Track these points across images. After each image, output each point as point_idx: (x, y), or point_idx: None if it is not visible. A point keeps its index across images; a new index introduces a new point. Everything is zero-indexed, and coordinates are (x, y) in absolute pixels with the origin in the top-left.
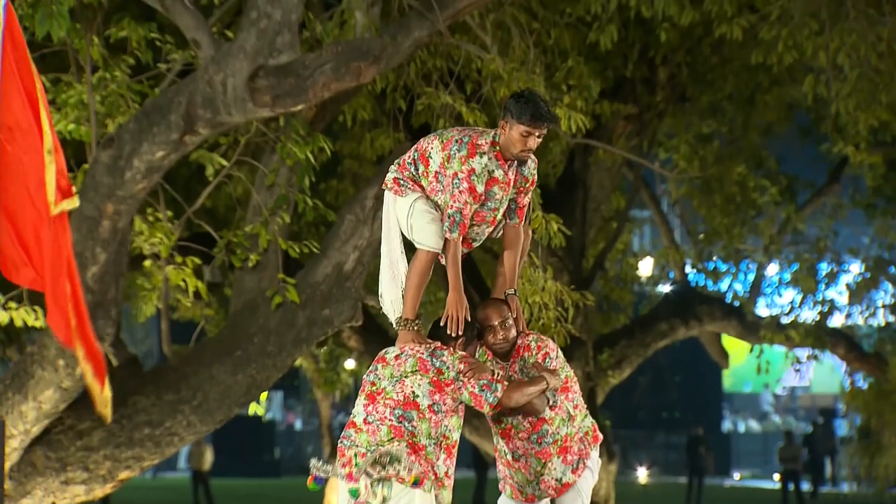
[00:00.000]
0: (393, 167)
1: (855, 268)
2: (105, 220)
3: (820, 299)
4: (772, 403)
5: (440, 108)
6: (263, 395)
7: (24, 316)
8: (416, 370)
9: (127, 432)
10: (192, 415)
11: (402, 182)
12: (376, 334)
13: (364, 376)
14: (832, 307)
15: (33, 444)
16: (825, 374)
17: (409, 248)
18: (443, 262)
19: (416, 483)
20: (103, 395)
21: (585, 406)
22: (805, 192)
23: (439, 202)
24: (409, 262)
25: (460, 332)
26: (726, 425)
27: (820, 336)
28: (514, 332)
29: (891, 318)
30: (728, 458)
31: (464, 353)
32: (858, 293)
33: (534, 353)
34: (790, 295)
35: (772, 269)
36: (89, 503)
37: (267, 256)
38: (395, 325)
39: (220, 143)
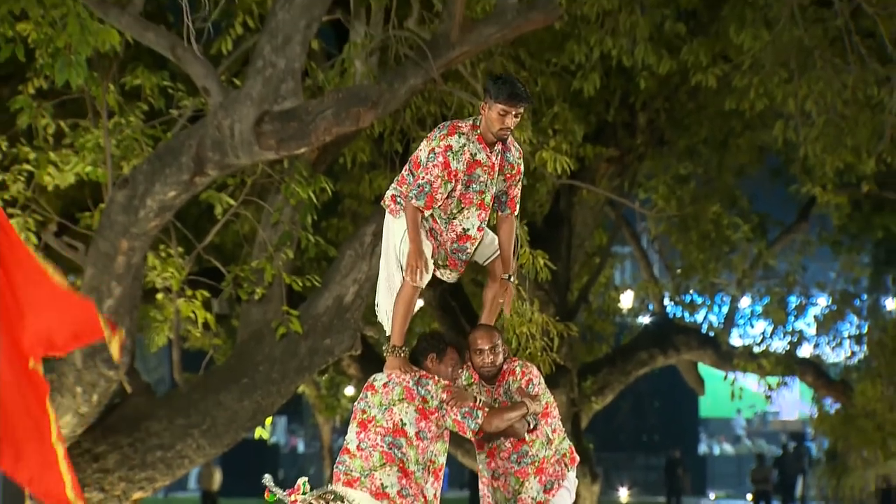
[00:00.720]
0: (392, 184)
1: (822, 301)
2: (120, 256)
3: (790, 330)
4: (744, 428)
5: None
6: (268, 420)
7: None
8: (403, 398)
9: (140, 455)
10: (202, 438)
11: (398, 200)
12: (375, 363)
13: (355, 404)
14: (801, 337)
15: None
16: (794, 400)
17: None
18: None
19: None
20: None
21: (563, 430)
22: (775, 230)
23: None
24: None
25: (418, 279)
26: (702, 448)
27: (790, 364)
28: (501, 358)
29: (856, 348)
30: (704, 479)
31: (447, 381)
32: (826, 324)
33: (518, 378)
34: (762, 326)
35: (744, 302)
36: None
37: (272, 290)
38: (384, 351)
39: (227, 183)
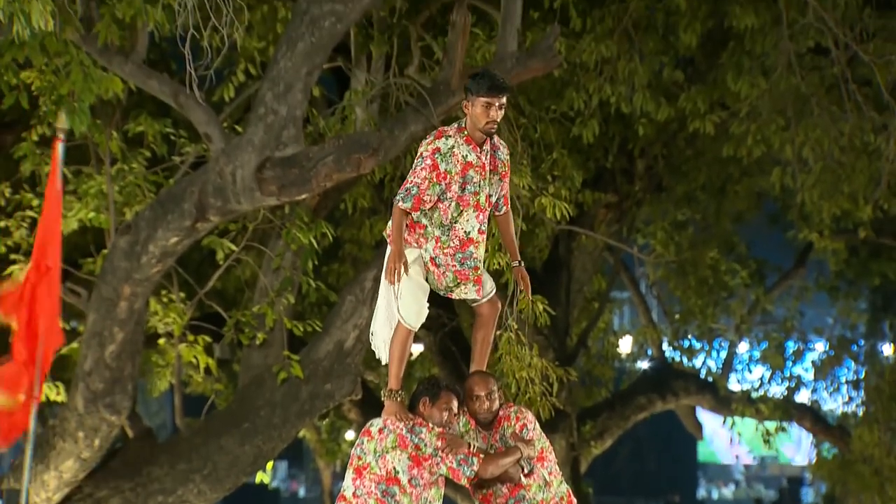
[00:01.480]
0: None
1: (820, 346)
2: (122, 302)
3: (788, 375)
4: (743, 472)
5: None
6: (269, 465)
7: (46, 391)
8: (396, 446)
9: (142, 499)
10: (203, 483)
11: None
12: (375, 407)
13: (352, 449)
14: (799, 383)
15: None
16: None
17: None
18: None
19: None
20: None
21: (561, 473)
22: (773, 276)
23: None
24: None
25: (397, 280)
26: (701, 492)
27: (788, 409)
28: (497, 405)
29: (853, 394)
30: None
31: (440, 428)
32: (823, 370)
33: (513, 423)
34: (760, 371)
35: (742, 347)
36: None
37: (273, 335)
38: (381, 395)
39: (229, 229)
